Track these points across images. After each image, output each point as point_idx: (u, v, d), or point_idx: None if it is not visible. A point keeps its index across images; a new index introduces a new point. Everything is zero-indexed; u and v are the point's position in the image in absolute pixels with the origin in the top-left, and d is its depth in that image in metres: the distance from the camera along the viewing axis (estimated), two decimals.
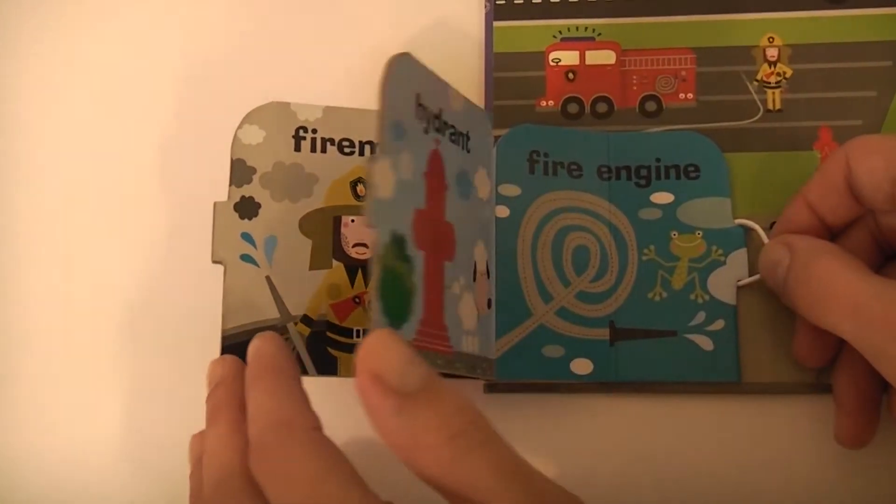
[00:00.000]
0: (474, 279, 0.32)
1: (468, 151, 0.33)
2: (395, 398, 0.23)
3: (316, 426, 0.26)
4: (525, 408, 0.36)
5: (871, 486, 0.35)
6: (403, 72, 0.28)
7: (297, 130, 0.33)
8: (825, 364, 0.34)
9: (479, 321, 0.32)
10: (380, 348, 0.24)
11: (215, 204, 0.33)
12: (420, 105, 0.29)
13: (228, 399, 0.29)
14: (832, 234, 0.33)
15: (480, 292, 0.33)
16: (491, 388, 0.36)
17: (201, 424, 0.31)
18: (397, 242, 0.27)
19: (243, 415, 0.28)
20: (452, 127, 0.31)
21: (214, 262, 0.30)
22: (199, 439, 0.31)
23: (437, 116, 0.30)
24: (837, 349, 0.33)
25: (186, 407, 0.33)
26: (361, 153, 0.35)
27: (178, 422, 0.33)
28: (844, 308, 0.28)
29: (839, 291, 0.29)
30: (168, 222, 0.40)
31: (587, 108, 0.38)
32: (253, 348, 0.29)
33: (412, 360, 0.24)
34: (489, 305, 0.34)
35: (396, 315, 0.27)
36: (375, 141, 0.27)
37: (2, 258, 0.40)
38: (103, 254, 0.40)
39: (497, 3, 0.39)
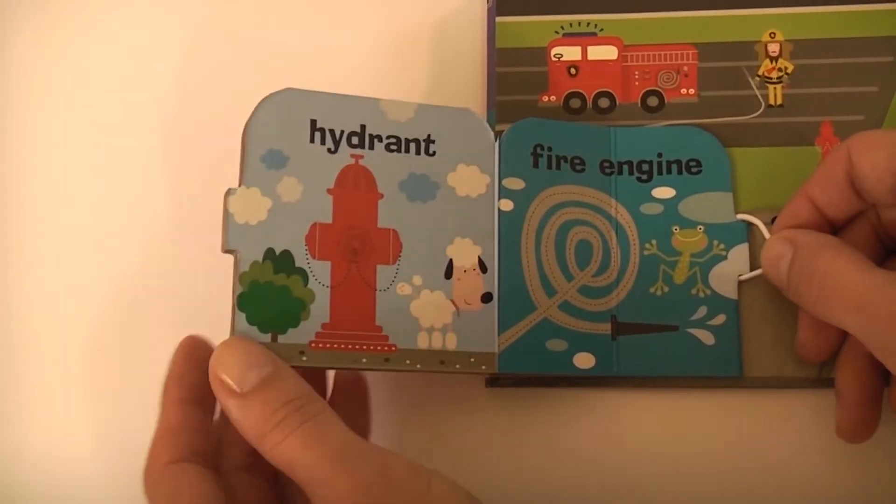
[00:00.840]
0: (448, 276, 0.33)
1: (431, 154, 0.34)
2: (235, 397, 0.28)
3: (171, 459, 0.28)
4: (526, 402, 0.37)
5: (872, 480, 0.35)
6: (282, 106, 0.33)
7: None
8: (827, 358, 0.34)
9: (457, 317, 0.33)
10: (224, 354, 0.29)
11: (228, 191, 0.32)
12: (318, 129, 0.33)
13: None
14: (834, 228, 0.33)
15: (465, 288, 0.33)
16: (492, 382, 0.36)
17: None
18: (279, 258, 0.31)
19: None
20: (392, 137, 0.33)
21: (225, 251, 0.31)
22: None
23: (357, 133, 0.33)
24: (839, 343, 0.33)
25: None
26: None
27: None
28: (848, 301, 0.29)
29: (843, 285, 0.29)
30: (169, 219, 0.40)
31: (589, 104, 0.38)
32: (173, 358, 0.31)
33: (252, 363, 0.28)
34: (487, 299, 0.34)
35: (271, 323, 0.31)
36: (240, 176, 0.32)
37: (3, 256, 0.40)
38: (105, 252, 0.40)
39: None
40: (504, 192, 0.35)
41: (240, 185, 0.32)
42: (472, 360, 0.33)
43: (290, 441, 0.27)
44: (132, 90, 0.41)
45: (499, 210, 0.35)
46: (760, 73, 0.38)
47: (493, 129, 0.36)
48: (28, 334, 0.39)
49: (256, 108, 0.32)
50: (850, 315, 0.29)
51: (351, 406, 0.34)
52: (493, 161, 0.35)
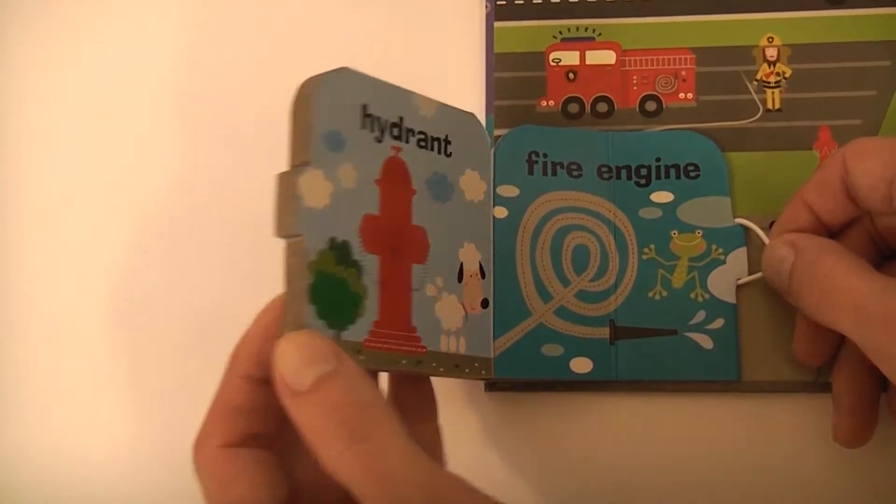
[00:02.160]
0: (460, 280, 0.33)
1: (448, 155, 0.33)
2: (291, 395, 0.25)
3: (226, 442, 0.27)
4: (525, 406, 0.37)
5: (870, 484, 0.35)
6: (340, 85, 0.30)
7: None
8: (824, 362, 0.34)
9: (466, 321, 0.33)
10: (287, 348, 0.25)
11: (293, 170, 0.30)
12: (368, 115, 0.31)
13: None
14: (830, 234, 0.33)
15: (470, 293, 0.33)
16: (491, 386, 0.36)
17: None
18: (339, 248, 0.29)
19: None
20: (422, 133, 0.32)
21: (285, 237, 0.28)
22: None
23: (397, 124, 0.31)
24: (837, 348, 0.33)
25: (189, 407, 0.33)
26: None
27: (179, 422, 0.33)
28: (847, 306, 0.29)
29: (842, 289, 0.29)
30: (169, 219, 0.40)
31: (587, 108, 0.38)
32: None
33: (311, 360, 0.25)
34: (485, 305, 0.34)
35: (337, 318, 0.28)
36: (298, 154, 0.28)
37: (3, 257, 0.40)
38: (104, 251, 0.40)
39: (498, 3, 0.40)
40: (498, 200, 0.35)
41: (300, 165, 0.28)
42: (476, 364, 0.33)
43: (342, 454, 0.24)
44: (132, 90, 0.42)
45: (493, 217, 0.35)
46: (758, 77, 0.38)
47: (491, 134, 0.36)
48: (30, 335, 0.39)
49: (315, 85, 0.29)
50: (848, 319, 0.29)
51: (413, 401, 0.32)
52: (490, 168, 0.35)
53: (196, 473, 0.27)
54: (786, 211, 0.34)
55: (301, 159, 0.28)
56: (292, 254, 0.28)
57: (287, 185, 0.28)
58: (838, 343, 0.33)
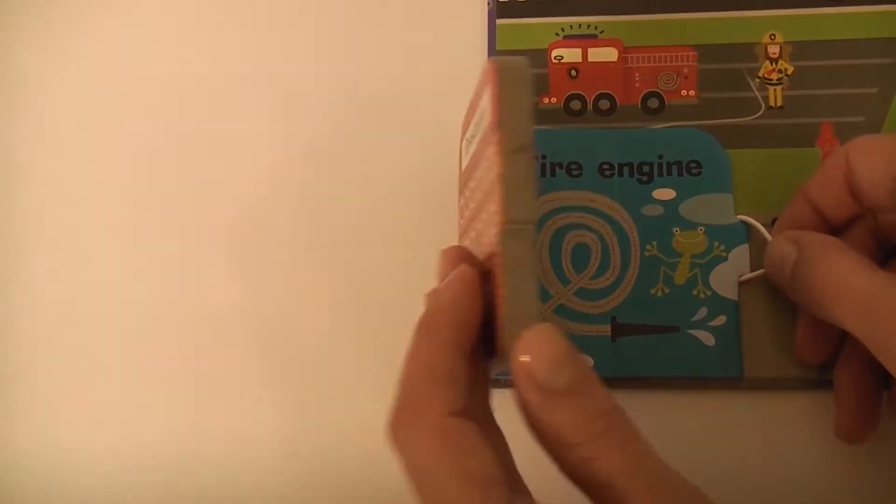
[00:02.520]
0: None
1: None
2: (541, 394, 0.24)
3: (451, 410, 0.24)
4: None
5: (871, 482, 0.35)
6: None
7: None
8: (825, 359, 0.34)
9: None
10: (537, 342, 0.24)
11: None
12: None
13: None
14: (833, 230, 0.33)
15: None
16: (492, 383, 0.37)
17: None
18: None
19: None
20: None
21: (509, 224, 0.26)
22: None
23: None
24: (838, 345, 0.34)
25: (190, 407, 0.33)
26: None
27: (178, 423, 0.34)
28: (851, 302, 0.29)
29: (846, 286, 0.29)
30: (177, 221, 0.40)
31: (590, 105, 0.38)
32: (430, 297, 0.27)
33: (564, 360, 0.24)
34: None
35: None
36: (515, 137, 0.26)
37: (6, 257, 0.40)
38: (112, 254, 0.40)
39: (499, 0, 0.40)
40: None
41: (518, 149, 0.26)
42: None
43: (610, 462, 0.24)
44: (133, 90, 0.42)
45: None
46: (760, 74, 0.38)
47: None
48: (31, 335, 0.39)
49: (523, 66, 0.26)
50: (851, 315, 0.29)
51: None
52: None
53: (405, 447, 0.24)
54: (788, 208, 0.34)
55: (519, 142, 0.26)
56: (521, 241, 0.25)
57: (519, 169, 0.26)
58: (840, 340, 0.33)
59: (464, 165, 0.33)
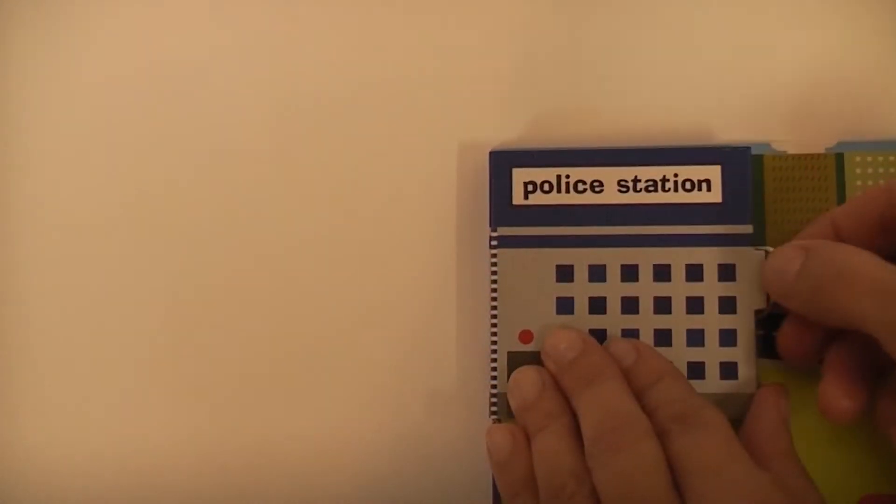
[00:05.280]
0: None
1: None
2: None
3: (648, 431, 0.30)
4: None
5: None
6: None
7: None
8: (808, 359, 0.33)
9: None
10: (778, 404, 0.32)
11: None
12: None
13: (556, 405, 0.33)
14: None
15: None
16: None
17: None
18: None
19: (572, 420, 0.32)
20: None
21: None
22: (508, 437, 0.33)
23: None
24: (822, 344, 0.33)
25: (189, 408, 0.35)
26: None
27: (175, 424, 0.35)
28: (866, 285, 0.28)
29: (861, 271, 0.29)
30: (177, 222, 0.40)
31: None
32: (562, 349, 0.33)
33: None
34: None
35: None
36: None
37: (7, 258, 0.40)
38: (112, 254, 0.40)
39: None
40: None
41: None
42: None
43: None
44: (134, 90, 0.41)
45: None
46: None
47: None
48: (32, 334, 0.40)
49: None
50: (866, 298, 0.28)
51: None
52: None
53: None
54: (809, 227, 0.34)
55: None
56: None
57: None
58: (824, 341, 0.32)
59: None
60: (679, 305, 0.35)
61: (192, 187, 0.40)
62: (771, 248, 0.34)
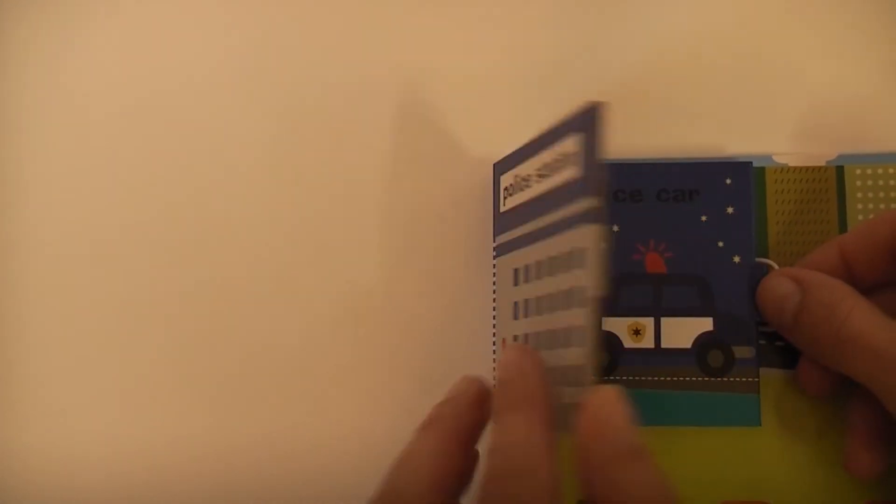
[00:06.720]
0: None
1: None
2: (615, 455, 0.25)
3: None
4: None
5: None
6: None
7: None
8: (825, 394, 0.34)
9: None
10: (611, 403, 0.25)
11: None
12: None
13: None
14: (858, 289, 0.32)
15: None
16: None
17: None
18: None
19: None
20: None
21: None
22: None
23: None
24: (839, 380, 0.33)
25: (188, 408, 0.35)
26: None
27: (174, 423, 0.36)
28: (865, 352, 0.29)
29: (861, 336, 0.29)
30: (178, 222, 0.40)
31: None
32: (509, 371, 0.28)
33: (630, 426, 0.25)
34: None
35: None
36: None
37: (7, 259, 0.40)
38: (111, 254, 0.40)
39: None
40: None
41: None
42: None
43: None
44: (134, 91, 0.41)
45: None
46: None
47: None
48: (32, 334, 0.40)
49: None
50: (865, 364, 0.29)
51: None
52: None
53: None
54: (816, 253, 0.34)
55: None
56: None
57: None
58: (841, 377, 0.33)
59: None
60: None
61: (193, 190, 0.40)
62: (771, 262, 0.35)
